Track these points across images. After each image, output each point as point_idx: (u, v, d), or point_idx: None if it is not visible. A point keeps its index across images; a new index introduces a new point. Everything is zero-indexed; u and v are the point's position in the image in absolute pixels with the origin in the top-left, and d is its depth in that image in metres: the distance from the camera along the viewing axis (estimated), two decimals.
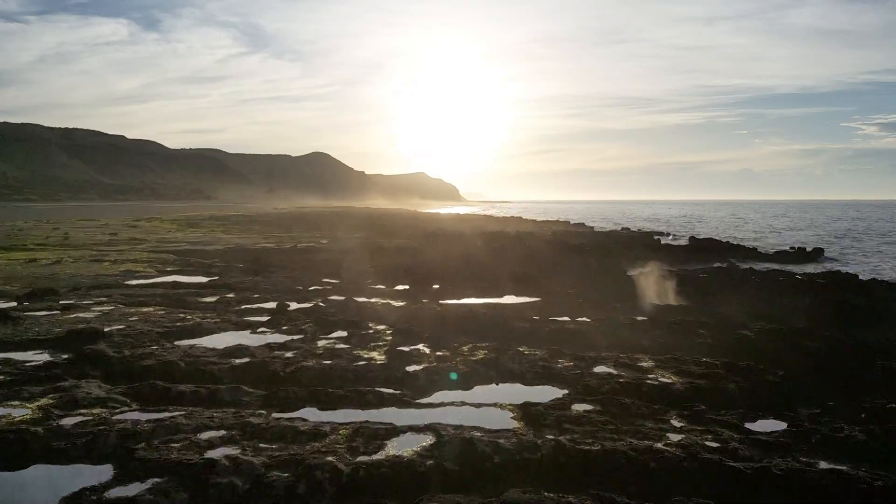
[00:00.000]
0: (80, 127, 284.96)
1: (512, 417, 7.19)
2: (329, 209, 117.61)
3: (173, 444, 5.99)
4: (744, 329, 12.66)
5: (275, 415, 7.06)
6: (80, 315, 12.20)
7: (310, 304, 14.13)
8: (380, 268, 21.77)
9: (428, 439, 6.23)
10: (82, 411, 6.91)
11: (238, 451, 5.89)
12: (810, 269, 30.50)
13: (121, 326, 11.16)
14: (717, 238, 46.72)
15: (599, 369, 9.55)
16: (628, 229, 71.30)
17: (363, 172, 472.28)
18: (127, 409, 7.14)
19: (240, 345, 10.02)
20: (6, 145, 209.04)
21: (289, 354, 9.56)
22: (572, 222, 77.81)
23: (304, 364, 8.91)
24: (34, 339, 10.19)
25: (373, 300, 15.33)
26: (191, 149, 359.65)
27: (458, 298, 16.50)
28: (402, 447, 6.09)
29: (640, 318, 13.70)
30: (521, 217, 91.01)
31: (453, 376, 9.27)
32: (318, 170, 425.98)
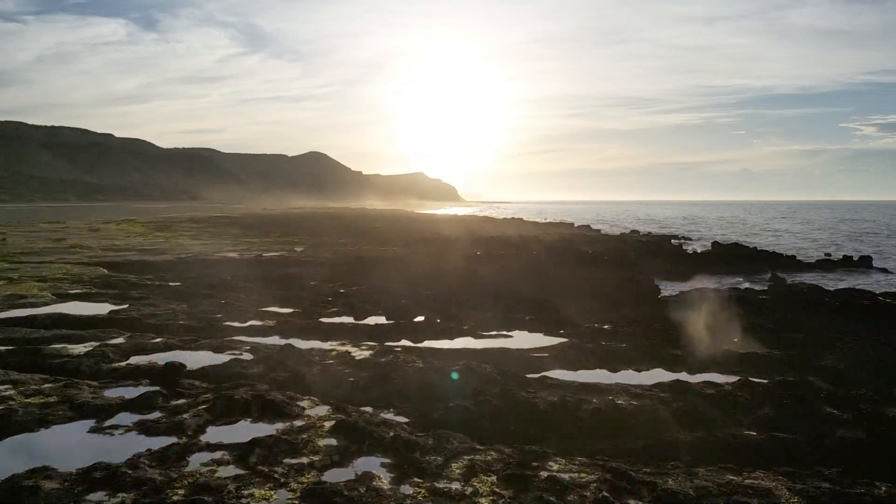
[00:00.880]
0: (67, 125, 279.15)
1: None
2: (321, 210, 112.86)
3: None
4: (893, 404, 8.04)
5: None
6: None
7: (224, 359, 9.47)
8: (352, 289, 17.13)
9: None
10: None
11: None
12: (874, 282, 25.89)
13: None
14: (743, 243, 42.11)
15: None
16: (637, 232, 66.71)
17: (360, 172, 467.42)
18: None
19: (33, 470, 5.35)
20: None
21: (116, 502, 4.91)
22: (577, 224, 73.13)
23: None
24: None
25: (326, 345, 10.67)
26: (183, 148, 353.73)
27: (451, 338, 11.87)
28: None
29: (724, 383, 9.04)
30: (521, 219, 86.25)
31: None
32: (314, 170, 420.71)
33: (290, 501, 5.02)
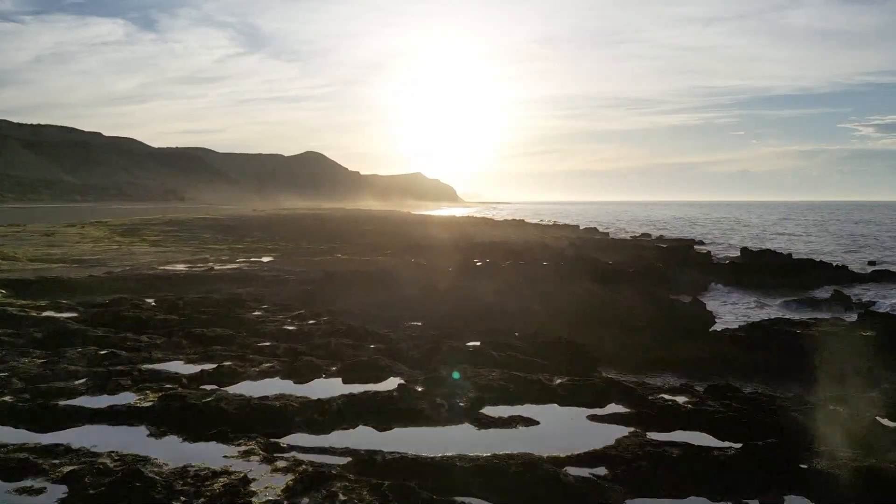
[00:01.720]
0: (54, 124, 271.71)
1: None
2: (312, 212, 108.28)
3: None
4: None
5: None
6: None
7: None
8: (308, 324, 12.56)
9: None
10: None
11: None
12: None
13: None
14: (773, 249, 37.61)
15: None
16: (649, 236, 62.28)
17: (358, 173, 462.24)
18: None
19: None
20: None
21: None
22: (582, 227, 68.58)
23: None
24: None
25: (217, 460, 6.08)
26: (175, 147, 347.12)
27: (439, 422, 7.34)
28: None
29: None
30: (523, 220, 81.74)
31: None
32: (311, 170, 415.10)
33: None
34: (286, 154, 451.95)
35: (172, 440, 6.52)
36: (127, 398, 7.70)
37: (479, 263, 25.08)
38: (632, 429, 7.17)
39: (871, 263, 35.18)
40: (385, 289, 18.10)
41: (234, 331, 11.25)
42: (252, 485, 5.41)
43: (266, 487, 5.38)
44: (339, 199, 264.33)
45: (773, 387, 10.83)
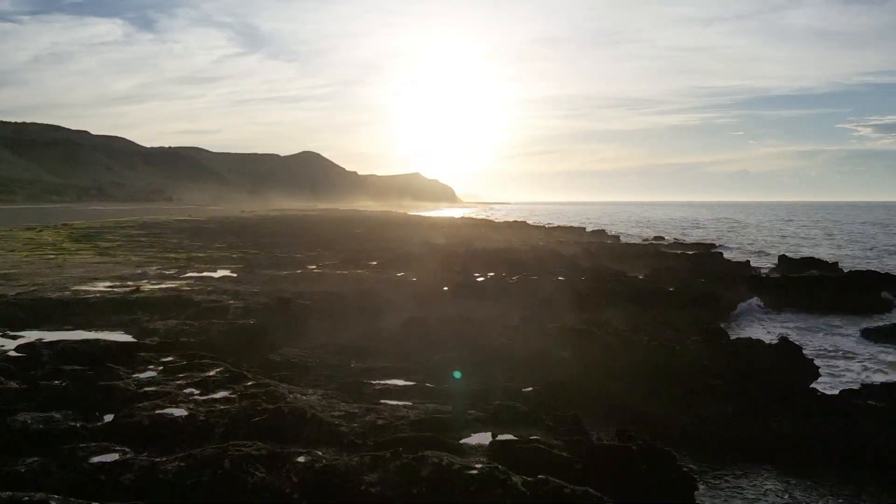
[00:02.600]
0: (40, 122, 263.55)
1: None
2: (303, 213, 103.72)
3: None
4: None
5: None
6: None
7: None
8: (191, 422, 8.12)
9: None
10: None
11: None
12: None
13: None
14: (812, 256, 33.21)
15: None
16: (662, 239, 57.91)
17: (355, 173, 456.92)
18: None
19: None
20: None
21: None
22: (588, 230, 64.02)
23: None
24: None
25: None
26: (167, 147, 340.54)
27: None
28: None
29: None
30: (525, 222, 77.20)
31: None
32: (307, 170, 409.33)
33: None
34: (282, 154, 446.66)
35: None
36: None
37: (480, 279, 20.69)
38: None
39: None
40: (358, 320, 13.69)
41: (81, 420, 6.80)
42: None
43: None
44: (335, 199, 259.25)
45: None
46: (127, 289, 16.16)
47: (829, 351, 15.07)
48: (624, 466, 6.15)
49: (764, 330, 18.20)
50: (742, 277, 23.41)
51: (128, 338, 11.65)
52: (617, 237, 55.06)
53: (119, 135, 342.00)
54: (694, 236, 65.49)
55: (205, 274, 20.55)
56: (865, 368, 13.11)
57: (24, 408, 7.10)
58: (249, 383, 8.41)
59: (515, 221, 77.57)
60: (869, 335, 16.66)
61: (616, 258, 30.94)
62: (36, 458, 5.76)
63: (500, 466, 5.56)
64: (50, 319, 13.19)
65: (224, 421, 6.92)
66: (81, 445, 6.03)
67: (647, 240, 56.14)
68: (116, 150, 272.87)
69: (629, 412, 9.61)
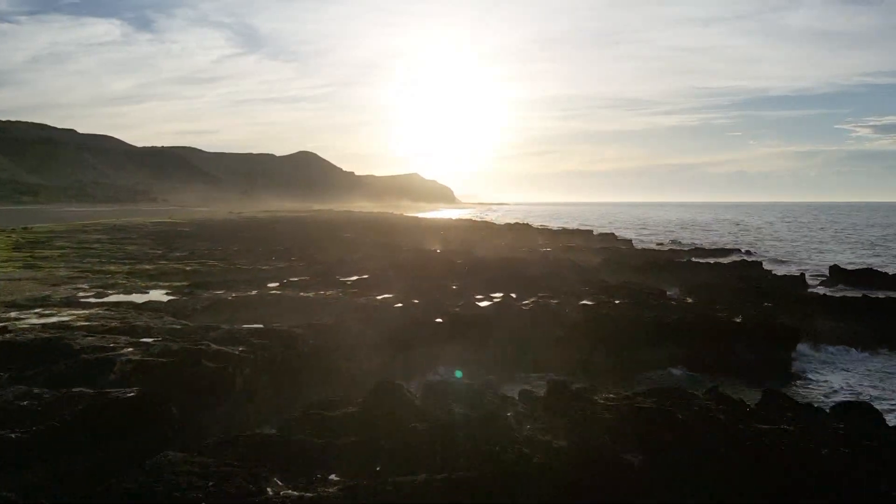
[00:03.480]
0: (21, 120, 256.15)
1: None
2: (294, 215, 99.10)
3: None
4: None
5: None
6: None
7: None
8: None
9: None
10: None
11: None
12: None
13: None
14: (872, 268, 28.78)
15: None
16: (679, 242, 53.51)
17: (352, 173, 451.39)
18: None
19: None
20: None
21: None
22: (596, 233, 59.50)
23: None
24: None
25: None
26: (159, 147, 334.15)
27: None
28: None
29: None
30: (528, 224, 72.70)
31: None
32: (303, 171, 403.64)
33: None
34: (278, 154, 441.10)
35: None
36: None
37: (484, 303, 16.18)
38: None
39: None
40: (307, 381, 9.22)
41: None
42: None
43: None
44: (332, 200, 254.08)
45: None
46: (42, 316, 11.65)
47: None
48: None
49: (843, 377, 13.86)
50: (803, 298, 18.90)
51: None
52: (629, 242, 50.56)
53: (113, 135, 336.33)
54: (708, 240, 61.00)
55: (130, 297, 16.04)
56: None
57: None
58: None
59: (517, 223, 73.06)
60: None
61: (639, 270, 26.50)
62: None
63: None
64: None
65: None
66: None
67: (661, 244, 51.70)
68: (103, 150, 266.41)
69: None
